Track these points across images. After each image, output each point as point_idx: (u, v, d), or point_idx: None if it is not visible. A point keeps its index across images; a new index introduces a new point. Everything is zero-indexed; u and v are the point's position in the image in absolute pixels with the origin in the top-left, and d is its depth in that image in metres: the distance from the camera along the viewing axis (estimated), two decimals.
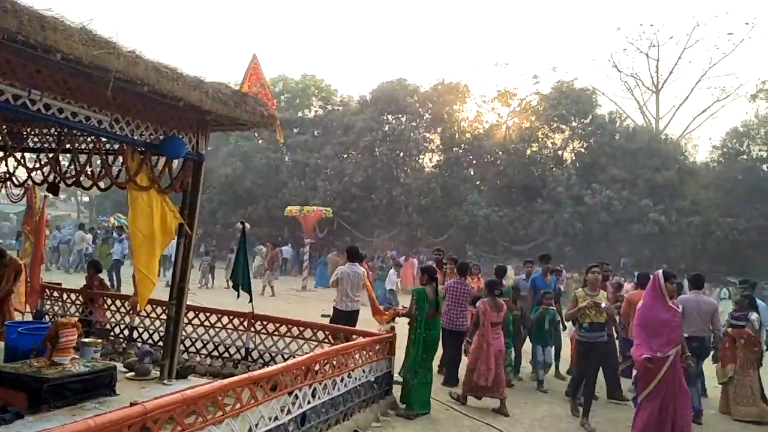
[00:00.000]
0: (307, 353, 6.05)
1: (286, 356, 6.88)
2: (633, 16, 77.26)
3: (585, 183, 27.68)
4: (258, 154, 33.17)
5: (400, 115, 33.30)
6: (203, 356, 7.35)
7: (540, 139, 30.90)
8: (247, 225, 8.31)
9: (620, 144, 29.47)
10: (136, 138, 4.98)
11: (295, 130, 34.35)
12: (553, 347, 8.62)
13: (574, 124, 30.80)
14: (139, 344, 7.42)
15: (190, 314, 7.30)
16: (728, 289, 17.79)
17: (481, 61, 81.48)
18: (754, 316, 7.39)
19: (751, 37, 35.22)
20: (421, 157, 33.48)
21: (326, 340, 6.83)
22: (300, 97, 37.65)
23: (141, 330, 7.82)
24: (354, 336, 6.76)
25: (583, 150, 30.76)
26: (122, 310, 8.03)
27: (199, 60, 71.29)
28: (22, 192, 6.84)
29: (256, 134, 32.26)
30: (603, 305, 6.57)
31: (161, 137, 5.24)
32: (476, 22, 73.29)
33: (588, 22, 66.80)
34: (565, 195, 27.35)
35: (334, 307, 8.15)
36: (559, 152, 31.26)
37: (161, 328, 7.18)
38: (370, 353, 6.20)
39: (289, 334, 7.10)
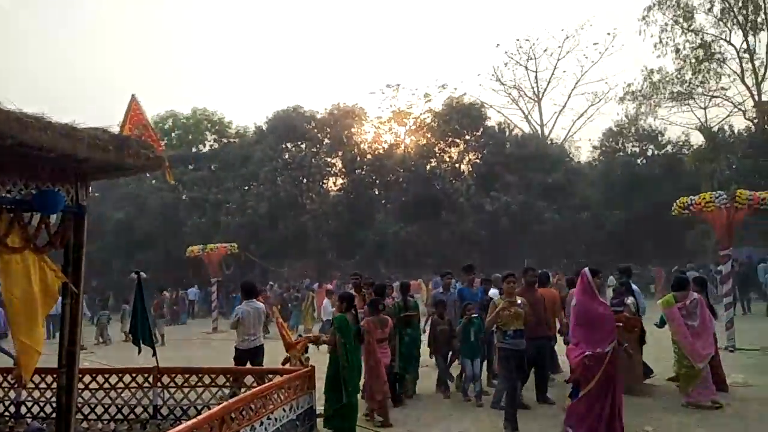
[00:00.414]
0: (222, 401, 5.69)
1: (199, 408, 6.51)
2: (510, 31, 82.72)
3: (483, 192, 28.92)
4: (152, 195, 31.54)
5: (299, 142, 33.14)
6: (105, 422, 6.71)
7: (437, 155, 31.97)
8: (143, 273, 7.78)
9: (512, 152, 31.15)
10: (3, 195, 4.48)
11: (191, 167, 33.09)
12: (486, 359, 8.40)
13: (467, 137, 32.19)
14: (29, 420, 6.65)
15: (87, 378, 6.67)
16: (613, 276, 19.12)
17: (373, 83, 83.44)
18: (629, 300, 7.87)
19: (614, 45, 38.66)
20: (324, 181, 33.44)
21: (241, 385, 6.48)
22: (192, 132, 36.39)
23: (30, 404, 7.01)
24: (270, 375, 6.48)
25: (478, 161, 32.17)
26: (5, 384, 7.17)
27: (75, 105, 66.89)
28: None
29: (147, 175, 30.68)
30: (519, 302, 6.58)
31: (33, 191, 4.75)
32: (364, 46, 75.17)
33: (469, 40, 70.62)
34: (467, 205, 28.40)
35: (236, 347, 7.93)
36: (457, 165, 32.50)
37: (54, 398, 6.49)
38: (290, 391, 5.96)
39: (200, 383, 6.68)
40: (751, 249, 23.95)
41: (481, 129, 32.24)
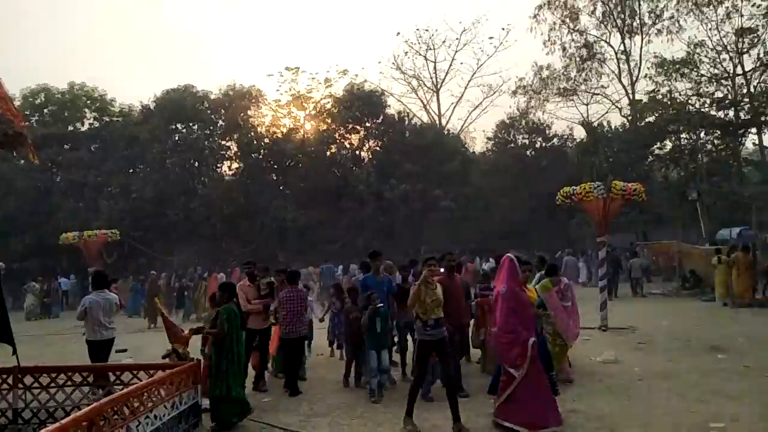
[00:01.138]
0: (94, 400, 5.07)
1: (69, 409, 5.88)
2: (411, 20, 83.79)
3: (383, 179, 29.05)
4: (20, 176, 28.43)
5: (191, 124, 31.33)
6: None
7: (338, 141, 31.62)
8: (2, 264, 6.85)
9: (411, 140, 31.56)
10: None
11: (66, 147, 30.20)
12: (398, 349, 8.31)
13: (367, 124, 32.12)
14: None
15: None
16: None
17: (271, 65, 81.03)
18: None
19: (508, 40, 40.25)
20: (218, 165, 31.95)
21: (117, 382, 5.85)
22: (69, 109, 33.22)
23: None
24: (152, 371, 5.91)
25: (378, 148, 32.25)
26: None
27: None
28: None
29: (14, 154, 27.54)
30: (437, 279, 6.33)
31: None
32: (263, 25, 72.70)
33: (371, 26, 70.67)
34: (367, 192, 28.39)
35: (87, 340, 7.62)
36: (357, 152, 32.36)
37: None
38: (172, 387, 5.44)
39: (70, 383, 5.98)
40: (622, 236, 26.20)
41: (381, 117, 32.30)
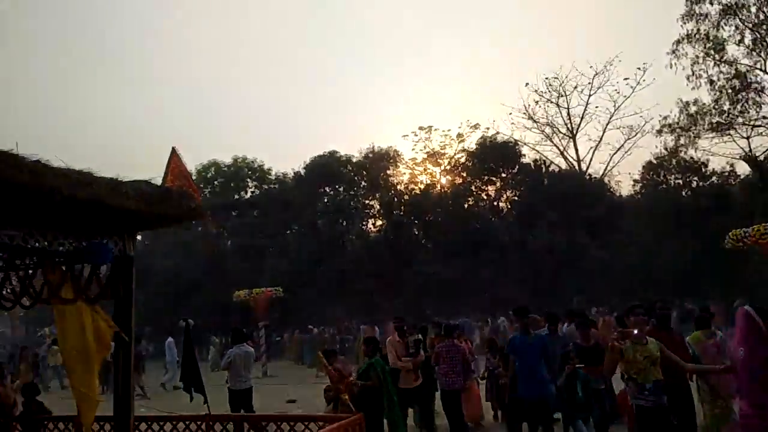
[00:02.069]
0: None
1: None
2: (537, 69, 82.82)
3: (524, 229, 28.54)
4: (198, 242, 32.39)
5: (337, 186, 33.66)
6: None
7: (474, 193, 31.91)
8: (191, 321, 7.99)
9: (550, 188, 30.80)
10: (54, 249, 4.69)
11: (234, 213, 33.93)
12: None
13: (503, 174, 32.09)
14: None
15: (142, 426, 6.75)
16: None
17: (404, 126, 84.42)
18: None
19: (645, 79, 38.09)
20: (364, 223, 33.70)
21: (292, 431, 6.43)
22: (233, 180, 37.48)
23: None
24: (318, 422, 6.43)
25: (516, 198, 31.91)
26: None
27: (120, 156, 70.01)
28: None
29: (193, 223, 31.65)
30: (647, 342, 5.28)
31: (83, 244, 4.97)
32: (395, 90, 76.48)
33: (497, 80, 71.17)
34: (508, 242, 28.03)
35: (229, 389, 8.35)
36: (495, 203, 32.30)
37: None
38: None
39: (252, 431, 6.68)
40: None
41: (517, 166, 32.12)
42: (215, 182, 37.25)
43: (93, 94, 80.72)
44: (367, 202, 33.77)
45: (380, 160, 33.74)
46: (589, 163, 38.87)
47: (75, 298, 4.99)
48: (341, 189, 33.43)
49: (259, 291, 19.89)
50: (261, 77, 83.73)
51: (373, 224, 34.21)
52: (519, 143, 34.78)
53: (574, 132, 38.96)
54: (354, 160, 34.23)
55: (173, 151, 8.84)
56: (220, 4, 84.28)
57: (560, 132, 39.40)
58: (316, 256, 30.05)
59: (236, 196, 36.70)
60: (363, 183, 34.02)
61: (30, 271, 5.34)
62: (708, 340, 6.71)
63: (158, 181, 6.21)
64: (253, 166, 38.02)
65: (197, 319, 27.79)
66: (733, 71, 30.26)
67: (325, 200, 32.76)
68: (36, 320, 36.51)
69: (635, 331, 5.26)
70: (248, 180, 38.05)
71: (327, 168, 33.14)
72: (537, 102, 40.41)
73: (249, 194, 37.51)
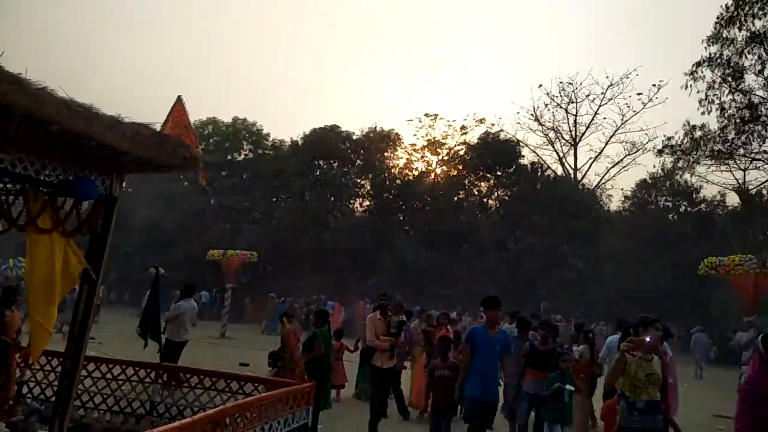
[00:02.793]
0: (218, 406, 5.72)
1: (195, 409, 6.52)
2: (554, 72, 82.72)
3: (508, 229, 28.70)
4: (183, 196, 32.19)
5: (331, 161, 33.55)
6: (102, 411, 6.77)
7: (467, 187, 31.97)
8: (161, 270, 7.96)
9: (541, 193, 30.94)
10: (41, 178, 4.67)
11: (224, 173, 33.73)
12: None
13: (498, 173, 32.15)
14: (29, 400, 6.76)
15: (91, 366, 6.77)
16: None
17: (411, 110, 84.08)
18: (580, 347, 8.02)
19: (658, 97, 38.05)
20: (351, 201, 33.67)
21: (240, 391, 6.51)
22: (230, 140, 37.19)
23: (32, 384, 7.13)
24: (271, 385, 6.50)
25: (507, 198, 32.02)
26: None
27: (121, 100, 69.16)
28: None
29: (181, 176, 31.41)
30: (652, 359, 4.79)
31: (70, 178, 4.95)
32: (407, 71, 75.99)
33: (513, 76, 70.92)
34: (490, 241, 28.20)
35: (168, 339, 8.55)
36: (485, 199, 32.39)
37: (56, 382, 6.62)
38: (288, 404, 5.96)
39: (200, 385, 6.73)
40: None
41: (514, 166, 32.18)
42: (211, 140, 36.95)
43: (99, 39, 79.28)
44: (359, 181, 33.72)
45: (380, 141, 33.64)
46: (585, 173, 39.12)
47: (51, 229, 4.97)
48: (335, 164, 33.33)
49: (233, 253, 19.91)
50: (273, 43, 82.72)
51: (361, 204, 34.21)
52: (520, 143, 34.81)
53: (577, 140, 39.05)
54: (354, 137, 34.09)
55: (178, 99, 8.78)
56: None
57: (563, 138, 39.45)
58: (298, 227, 30.03)
59: (229, 157, 36.45)
60: (358, 162, 33.93)
61: (11, 197, 5.32)
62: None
63: (158, 128, 6.20)
64: (252, 129, 37.72)
65: (168, 272, 27.76)
66: (746, 101, 30.41)
67: (317, 173, 32.65)
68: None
69: (648, 339, 4.75)
70: (244, 142, 37.78)
71: (325, 141, 32.99)
72: (546, 105, 40.37)
73: (242, 157, 37.28)
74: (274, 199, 32.77)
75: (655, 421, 4.59)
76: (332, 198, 32.42)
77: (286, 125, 78.37)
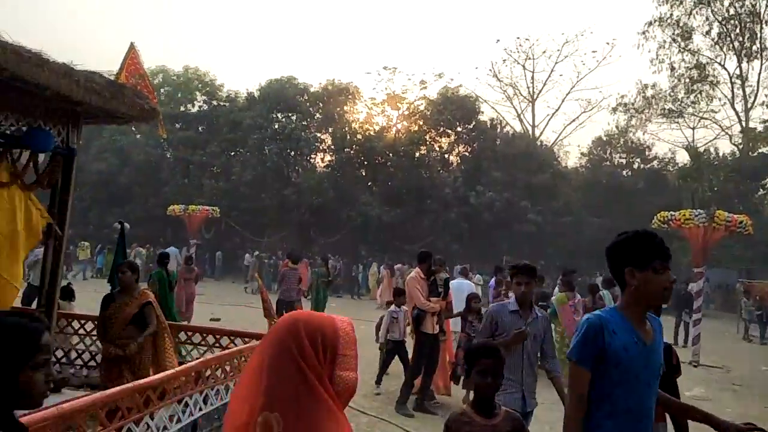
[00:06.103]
0: (196, 358, 5.68)
1: None
2: (511, 28, 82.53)
3: (470, 185, 29.02)
4: (136, 150, 31.00)
5: (290, 114, 32.78)
6: (78, 367, 6.67)
7: (428, 143, 31.93)
8: (126, 225, 7.69)
9: (501, 149, 31.27)
10: None
11: (178, 125, 32.55)
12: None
13: (459, 129, 32.19)
14: None
15: (62, 322, 6.59)
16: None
17: (370, 63, 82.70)
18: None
19: (612, 55, 38.66)
20: (312, 156, 33.20)
21: (216, 345, 6.47)
22: (182, 91, 35.65)
23: None
24: (247, 339, 6.48)
25: (467, 154, 32.23)
26: None
27: (71, 47, 65.19)
28: None
29: (133, 128, 30.14)
30: None
31: (24, 128, 4.64)
32: (365, 24, 74.34)
33: (471, 32, 70.34)
34: (452, 196, 28.49)
35: None
36: (446, 155, 32.50)
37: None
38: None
39: (176, 339, 6.65)
40: (724, 272, 24.58)
41: (473, 122, 32.25)
42: (161, 90, 35.38)
43: None
44: (319, 135, 33.14)
45: (339, 95, 32.95)
46: (543, 130, 39.68)
47: (10, 182, 4.71)
48: (294, 118, 32.57)
49: (195, 208, 19.42)
50: None
51: (322, 159, 33.78)
52: (479, 100, 34.87)
53: (535, 97, 39.41)
54: (311, 90, 33.28)
55: (131, 46, 8.26)
56: None
57: (521, 95, 39.78)
58: (258, 181, 29.49)
59: (182, 109, 35.10)
60: (318, 115, 33.26)
61: None
62: (568, 301, 8.40)
63: (113, 77, 5.83)
64: (204, 80, 36.17)
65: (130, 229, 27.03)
66: (695, 61, 31.23)
67: (276, 126, 31.88)
68: None
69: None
70: (197, 93, 36.30)
71: (282, 93, 32.09)
72: (504, 61, 40.36)
73: (197, 108, 35.95)
74: (232, 153, 31.91)
75: None
76: (292, 153, 31.85)
77: (240, 76, 75.68)
